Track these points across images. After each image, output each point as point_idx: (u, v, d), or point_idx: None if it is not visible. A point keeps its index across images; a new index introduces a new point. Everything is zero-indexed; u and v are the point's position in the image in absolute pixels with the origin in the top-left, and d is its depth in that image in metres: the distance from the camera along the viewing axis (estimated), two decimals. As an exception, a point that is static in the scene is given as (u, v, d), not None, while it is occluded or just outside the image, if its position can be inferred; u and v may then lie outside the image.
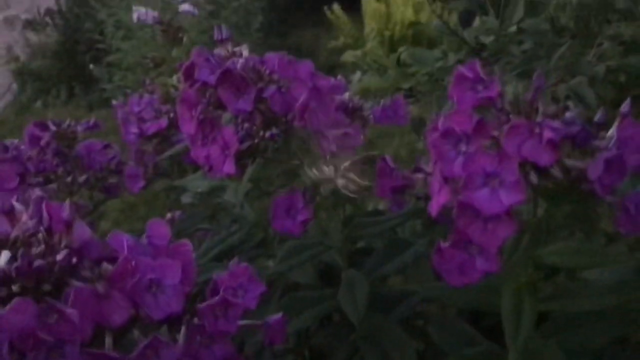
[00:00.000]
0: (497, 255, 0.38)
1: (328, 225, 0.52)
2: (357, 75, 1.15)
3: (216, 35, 0.49)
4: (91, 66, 2.60)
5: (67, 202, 0.35)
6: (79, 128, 0.81)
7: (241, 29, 2.63)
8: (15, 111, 3.24)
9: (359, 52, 1.16)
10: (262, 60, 0.48)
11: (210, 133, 0.48)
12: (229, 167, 0.45)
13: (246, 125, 0.46)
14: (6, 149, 0.53)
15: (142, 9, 2.23)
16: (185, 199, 0.88)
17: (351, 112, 0.55)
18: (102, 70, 2.53)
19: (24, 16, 3.44)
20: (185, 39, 0.66)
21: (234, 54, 0.48)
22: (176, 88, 0.65)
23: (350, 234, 0.55)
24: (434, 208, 0.40)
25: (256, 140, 0.47)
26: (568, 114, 0.38)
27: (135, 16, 2.31)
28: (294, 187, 0.50)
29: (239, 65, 0.45)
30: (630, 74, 1.04)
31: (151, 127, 0.73)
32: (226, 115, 0.49)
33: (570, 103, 0.40)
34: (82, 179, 0.66)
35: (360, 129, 0.48)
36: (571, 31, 1.18)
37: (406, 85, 1.04)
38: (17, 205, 0.35)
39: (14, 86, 3.48)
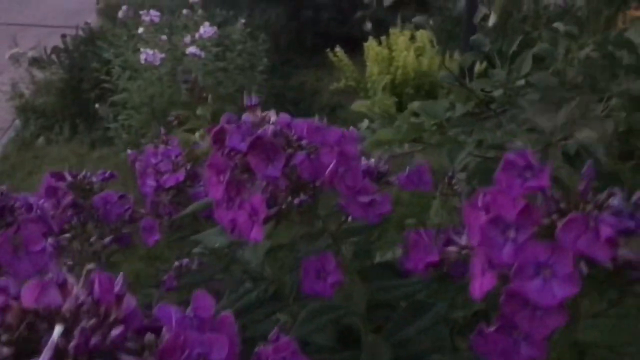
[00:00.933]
0: (544, 342, 0.37)
1: (352, 289, 0.52)
2: (365, 123, 1.16)
3: (246, 101, 0.50)
4: (97, 105, 2.62)
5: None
6: (95, 179, 0.82)
7: (245, 71, 2.66)
8: (18, 147, 3.25)
9: (368, 102, 1.17)
10: (290, 124, 0.49)
11: (236, 196, 0.48)
12: (257, 233, 0.45)
13: (274, 190, 0.46)
14: (30, 207, 0.53)
15: (150, 51, 2.27)
16: (196, 248, 0.88)
17: (377, 177, 0.55)
18: (107, 110, 2.55)
19: (30, 53, 3.48)
20: (209, 98, 0.67)
21: (263, 119, 0.49)
22: (195, 143, 0.65)
23: (374, 297, 0.54)
24: (477, 292, 0.39)
25: (284, 206, 0.47)
26: (615, 201, 0.38)
27: (142, 57, 2.35)
28: (323, 249, 0.50)
29: (269, 132, 0.46)
30: (632, 128, 1.05)
31: (169, 180, 0.74)
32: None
33: (616, 189, 0.39)
34: (107, 240, 0.66)
35: (389, 196, 0.48)
36: (579, 86, 1.20)
37: (415, 136, 1.05)
38: (70, 278, 0.35)
39: (17, 122, 3.50)
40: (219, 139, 0.47)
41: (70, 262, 0.79)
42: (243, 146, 0.45)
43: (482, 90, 1.25)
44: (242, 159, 0.47)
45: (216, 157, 0.47)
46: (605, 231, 0.35)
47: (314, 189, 0.47)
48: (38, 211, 0.50)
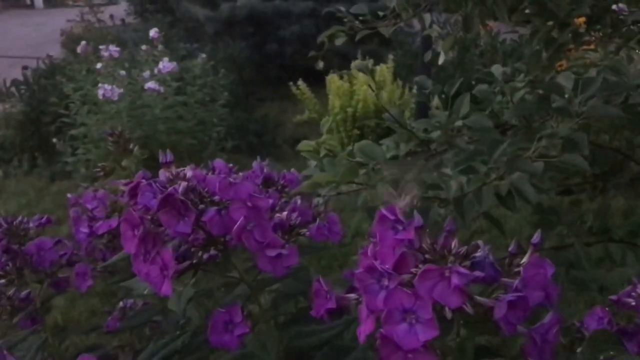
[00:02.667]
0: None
1: (266, 339, 0.54)
2: (313, 162, 1.19)
3: (161, 158, 0.52)
4: (54, 140, 2.61)
5: None
6: (31, 224, 0.82)
7: (207, 105, 2.69)
8: (-25, 181, 3.19)
9: (313, 143, 1.20)
10: (205, 180, 0.51)
11: (152, 249, 0.50)
12: (167, 288, 0.47)
13: (185, 246, 0.48)
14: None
15: (108, 86, 2.29)
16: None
17: (289, 230, 0.57)
18: (65, 145, 2.54)
19: (-11, 86, 3.45)
20: (135, 149, 0.69)
21: (177, 175, 0.51)
22: (122, 193, 0.67)
23: (289, 345, 0.56)
24: (361, 335, 0.42)
25: (195, 261, 0.49)
26: (478, 254, 0.41)
27: (100, 92, 2.36)
28: (242, 298, 0.52)
29: (180, 189, 0.48)
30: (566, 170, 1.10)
31: (101, 227, 0.75)
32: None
33: (480, 242, 0.42)
34: (24, 294, 0.66)
35: (295, 249, 0.51)
36: (514, 127, 1.25)
37: (357, 179, 1.07)
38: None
39: (-25, 155, 3.44)
40: (133, 195, 0.49)
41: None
42: (154, 203, 0.47)
43: (425, 131, 1.29)
44: (155, 215, 0.48)
45: (130, 212, 0.49)
46: (454, 281, 0.38)
47: (225, 243, 0.49)
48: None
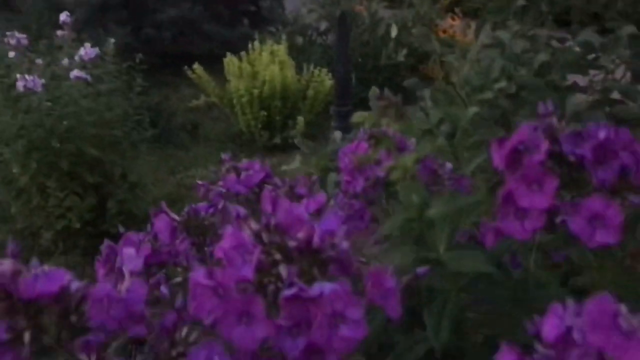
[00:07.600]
0: None
1: None
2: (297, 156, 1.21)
3: (541, 109, 0.50)
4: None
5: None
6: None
7: (125, 93, 2.47)
8: None
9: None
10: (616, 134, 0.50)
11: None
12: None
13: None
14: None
15: (29, 76, 1.98)
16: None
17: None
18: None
19: None
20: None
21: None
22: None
23: None
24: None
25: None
26: None
27: (20, 84, 2.02)
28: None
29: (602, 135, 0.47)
30: None
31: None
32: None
33: None
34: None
35: None
36: None
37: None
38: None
39: None
40: (515, 155, 0.47)
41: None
42: (587, 152, 0.46)
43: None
44: (565, 166, 0.48)
45: (533, 161, 0.47)
46: None
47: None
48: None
